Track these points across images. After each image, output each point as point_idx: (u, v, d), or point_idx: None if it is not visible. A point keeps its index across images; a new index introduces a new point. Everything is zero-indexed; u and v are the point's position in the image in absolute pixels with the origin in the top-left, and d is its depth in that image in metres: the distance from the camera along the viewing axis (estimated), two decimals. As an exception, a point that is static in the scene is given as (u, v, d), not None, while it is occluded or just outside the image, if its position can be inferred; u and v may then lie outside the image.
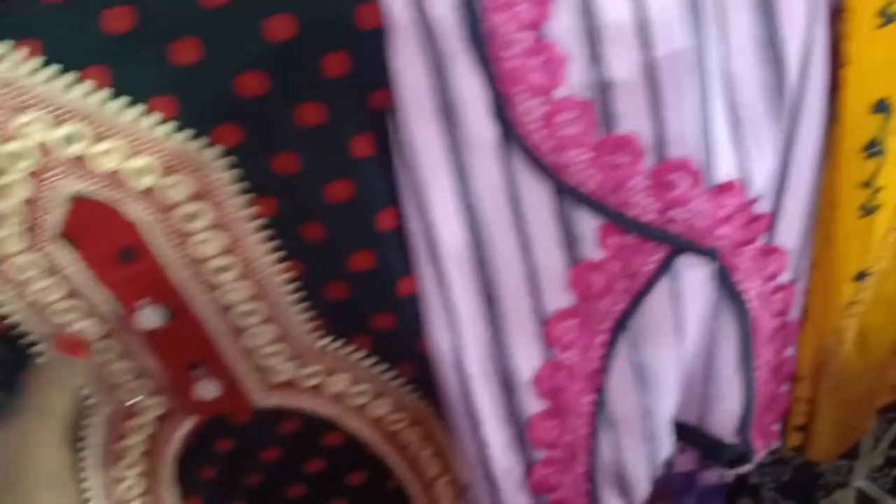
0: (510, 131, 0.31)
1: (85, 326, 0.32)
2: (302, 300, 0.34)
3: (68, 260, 0.31)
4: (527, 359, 0.35)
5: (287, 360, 0.36)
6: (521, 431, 0.36)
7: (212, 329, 0.34)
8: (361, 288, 0.33)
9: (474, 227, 0.32)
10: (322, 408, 0.37)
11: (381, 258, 0.32)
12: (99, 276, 0.32)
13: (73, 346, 0.32)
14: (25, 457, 0.28)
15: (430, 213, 0.32)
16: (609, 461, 0.37)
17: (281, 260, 0.33)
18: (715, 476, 0.44)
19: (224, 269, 0.33)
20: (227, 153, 0.30)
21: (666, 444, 0.37)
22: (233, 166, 0.30)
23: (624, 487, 0.37)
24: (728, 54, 0.32)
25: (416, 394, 0.37)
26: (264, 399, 0.36)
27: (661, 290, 0.33)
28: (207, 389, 0.35)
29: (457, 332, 0.34)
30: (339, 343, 0.36)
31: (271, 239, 0.33)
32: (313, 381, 0.36)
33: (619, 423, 0.36)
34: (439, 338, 0.34)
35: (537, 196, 0.32)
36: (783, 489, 0.53)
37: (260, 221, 0.32)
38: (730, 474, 0.44)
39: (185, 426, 0.36)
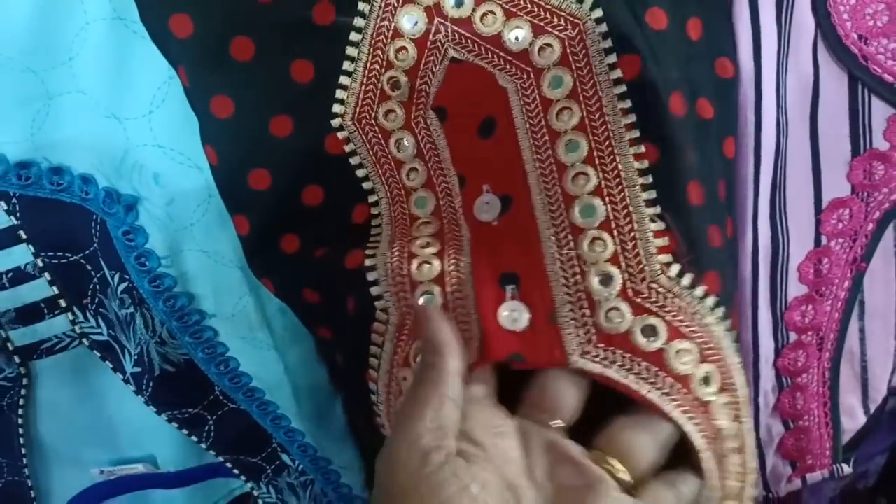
0: (825, 21, 0.33)
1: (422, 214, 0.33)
2: (652, 203, 0.28)
3: (436, 133, 0.31)
4: (798, 246, 0.37)
5: (619, 295, 0.29)
6: (780, 314, 0.38)
7: (543, 230, 0.30)
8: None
9: (779, 115, 0.34)
10: (664, 398, 0.28)
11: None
12: (455, 152, 0.31)
13: None
14: None
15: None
16: (855, 351, 0.39)
17: (637, 141, 0.29)
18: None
19: (572, 144, 0.29)
20: (596, 5, 0.29)
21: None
22: (599, 21, 0.29)
23: (864, 381, 0.40)
24: None
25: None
26: (580, 355, 0.28)
27: (941, 183, 0.35)
28: (515, 316, 0.29)
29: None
30: (687, 279, 0.29)
31: (631, 112, 0.28)
32: (654, 345, 0.28)
33: (872, 313, 0.38)
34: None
35: (836, 86, 0.34)
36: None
37: (622, 88, 0.29)
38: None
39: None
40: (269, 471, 0.41)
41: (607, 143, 0.29)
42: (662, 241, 0.29)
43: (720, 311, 0.29)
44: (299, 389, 0.38)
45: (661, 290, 0.28)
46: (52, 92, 0.31)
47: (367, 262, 0.32)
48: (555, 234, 0.30)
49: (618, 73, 0.29)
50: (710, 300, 0.29)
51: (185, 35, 0.30)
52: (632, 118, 0.29)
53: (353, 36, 0.31)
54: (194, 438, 0.39)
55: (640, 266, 0.29)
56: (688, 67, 0.30)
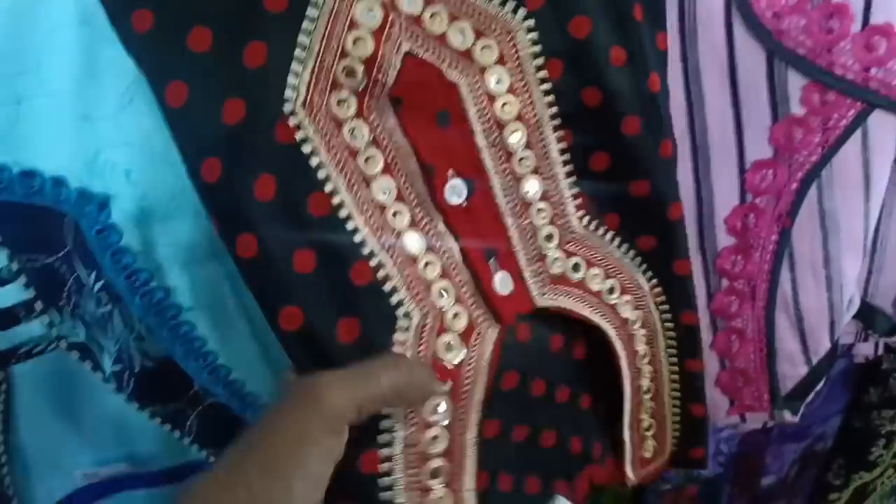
0: (739, 2, 0.37)
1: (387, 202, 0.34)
2: (570, 174, 0.37)
3: (391, 123, 0.34)
4: (723, 201, 0.41)
5: (557, 246, 0.38)
6: (711, 260, 0.42)
7: (502, 207, 0.36)
8: (626, 153, 0.37)
9: (695, 87, 0.38)
10: (588, 309, 0.39)
11: (646, 121, 0.36)
12: (418, 141, 0.34)
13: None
14: None
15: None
16: (789, 301, 0.43)
17: (557, 128, 0.36)
18: (869, 349, 0.51)
19: (515, 133, 0.35)
20: (528, 16, 0.34)
21: (846, 300, 0.43)
22: (530, 30, 0.34)
23: (802, 331, 0.44)
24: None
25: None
26: (541, 297, 0.37)
27: (853, 143, 0.39)
28: (504, 282, 0.36)
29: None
30: (593, 225, 0.38)
31: (554, 104, 0.35)
32: (578, 276, 0.38)
33: (801, 264, 0.42)
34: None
35: (754, 59, 0.38)
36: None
37: (547, 86, 0.35)
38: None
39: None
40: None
41: (539, 131, 0.36)
42: (579, 202, 0.38)
43: (617, 241, 0.40)
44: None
45: (579, 237, 0.38)
46: (20, 96, 0.32)
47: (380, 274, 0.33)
48: (511, 209, 0.36)
49: (544, 74, 0.35)
50: (609, 234, 0.39)
51: (144, 29, 0.31)
52: (555, 110, 0.36)
53: (307, 24, 0.31)
54: (177, 434, 0.40)
55: (567, 222, 0.38)
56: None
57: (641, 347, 0.41)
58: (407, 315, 0.33)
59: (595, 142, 0.37)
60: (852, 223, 0.41)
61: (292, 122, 0.32)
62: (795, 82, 0.39)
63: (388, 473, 0.33)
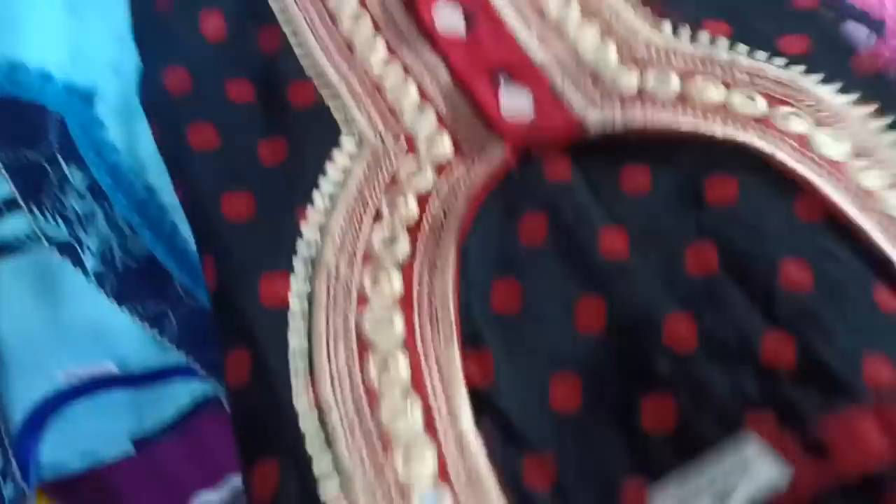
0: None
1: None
2: None
3: None
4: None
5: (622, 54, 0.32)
6: None
7: (518, 35, 0.33)
8: None
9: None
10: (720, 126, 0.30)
11: None
12: None
13: None
14: None
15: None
16: None
17: None
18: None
19: None
20: None
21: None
22: None
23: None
24: None
25: None
26: (587, 112, 0.31)
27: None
28: (516, 96, 0.31)
29: None
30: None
31: None
32: (664, 88, 0.31)
33: None
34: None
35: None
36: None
37: None
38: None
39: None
40: (231, 366, 0.43)
41: None
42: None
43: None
44: (260, 283, 0.41)
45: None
46: (7, -12, 0.33)
47: None
48: (527, 29, 0.33)
49: None
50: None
51: None
52: None
53: None
54: (158, 335, 0.41)
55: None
56: None
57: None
58: (358, 140, 0.31)
59: None
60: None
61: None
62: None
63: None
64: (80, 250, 0.38)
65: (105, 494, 0.44)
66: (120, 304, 0.39)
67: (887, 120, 0.30)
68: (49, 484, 0.42)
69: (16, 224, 0.37)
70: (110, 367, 0.41)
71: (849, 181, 0.29)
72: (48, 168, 0.36)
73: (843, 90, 0.31)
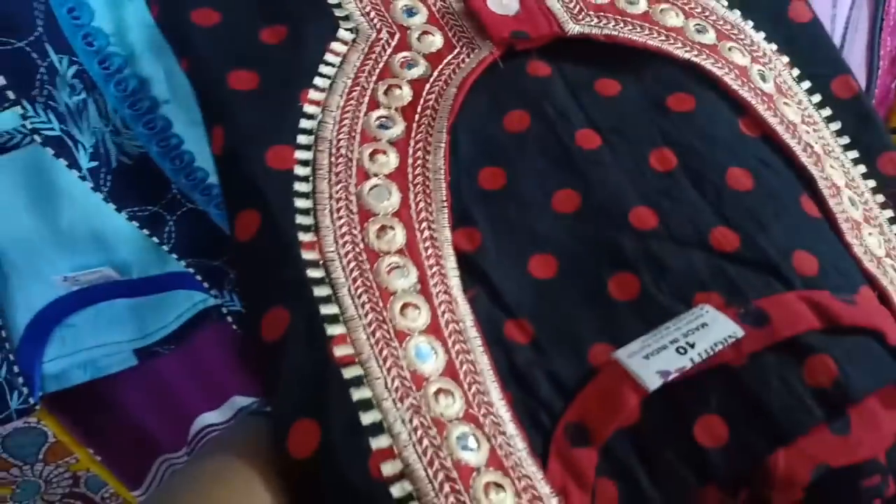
0: None
1: None
2: None
3: None
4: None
5: None
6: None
7: None
8: None
9: None
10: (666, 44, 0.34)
11: None
12: None
13: None
14: None
15: None
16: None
17: None
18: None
19: None
20: None
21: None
22: None
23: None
24: None
25: None
26: (573, 24, 0.34)
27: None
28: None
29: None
30: None
31: None
32: (640, 8, 0.34)
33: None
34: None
35: None
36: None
37: None
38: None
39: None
40: (231, 276, 0.42)
41: None
42: None
43: None
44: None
45: None
46: None
47: None
48: None
49: None
50: None
51: None
52: None
53: None
54: (156, 240, 0.39)
55: None
56: None
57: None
58: (354, 30, 0.33)
59: None
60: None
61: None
62: None
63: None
64: (73, 147, 0.37)
65: (107, 408, 0.43)
66: (115, 204, 0.38)
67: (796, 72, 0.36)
68: (50, 395, 0.41)
69: (7, 118, 0.36)
70: (110, 273, 0.40)
71: (775, 111, 0.34)
72: (36, 57, 0.35)
73: (767, 39, 0.36)
